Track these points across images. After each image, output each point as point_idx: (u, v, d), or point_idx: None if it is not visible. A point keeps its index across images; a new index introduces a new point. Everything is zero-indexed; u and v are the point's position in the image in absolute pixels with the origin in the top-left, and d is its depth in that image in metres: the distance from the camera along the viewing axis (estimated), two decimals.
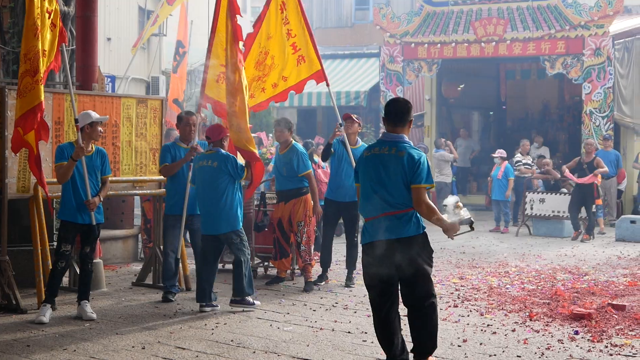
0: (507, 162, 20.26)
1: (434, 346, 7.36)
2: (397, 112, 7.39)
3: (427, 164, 7.23)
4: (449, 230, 7.28)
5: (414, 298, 7.24)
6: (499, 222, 20.19)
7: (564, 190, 19.39)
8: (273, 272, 13.01)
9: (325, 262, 12.48)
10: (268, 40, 11.98)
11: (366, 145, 9.50)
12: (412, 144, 7.42)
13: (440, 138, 24.07)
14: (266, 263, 13.12)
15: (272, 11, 11.93)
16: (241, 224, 10.23)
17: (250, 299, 10.34)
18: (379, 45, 26.37)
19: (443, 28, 24.08)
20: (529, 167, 20.92)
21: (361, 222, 9.09)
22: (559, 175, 20.20)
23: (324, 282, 12.30)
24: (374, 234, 7.20)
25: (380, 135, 8.12)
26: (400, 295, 7.34)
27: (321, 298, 11.23)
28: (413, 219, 7.16)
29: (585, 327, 9.40)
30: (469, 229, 7.39)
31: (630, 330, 9.26)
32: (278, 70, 12.05)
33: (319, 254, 12.77)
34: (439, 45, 24.14)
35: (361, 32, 33.68)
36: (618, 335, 9.06)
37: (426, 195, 7.15)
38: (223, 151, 10.28)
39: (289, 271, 12.58)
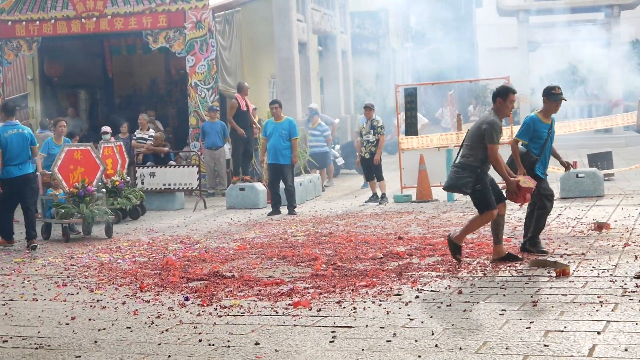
0: (113, 138, 19.97)
1: None
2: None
3: None
4: None
5: None
6: None
7: (172, 163, 19.44)
8: None
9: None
10: None
11: None
12: None
13: (46, 118, 23.22)
14: None
15: None
16: None
17: None
18: None
19: (41, 5, 23.10)
20: (142, 142, 20.81)
21: None
22: (167, 149, 20.31)
23: None
24: None
25: None
26: None
27: None
28: None
29: (196, 292, 9.42)
30: None
31: (239, 292, 9.39)
32: None
33: None
34: (37, 22, 23.18)
35: None
36: (227, 297, 9.14)
37: None
38: None
39: None
